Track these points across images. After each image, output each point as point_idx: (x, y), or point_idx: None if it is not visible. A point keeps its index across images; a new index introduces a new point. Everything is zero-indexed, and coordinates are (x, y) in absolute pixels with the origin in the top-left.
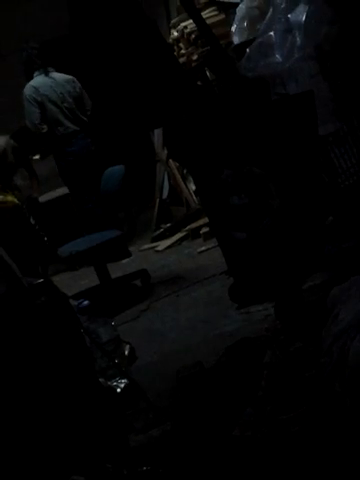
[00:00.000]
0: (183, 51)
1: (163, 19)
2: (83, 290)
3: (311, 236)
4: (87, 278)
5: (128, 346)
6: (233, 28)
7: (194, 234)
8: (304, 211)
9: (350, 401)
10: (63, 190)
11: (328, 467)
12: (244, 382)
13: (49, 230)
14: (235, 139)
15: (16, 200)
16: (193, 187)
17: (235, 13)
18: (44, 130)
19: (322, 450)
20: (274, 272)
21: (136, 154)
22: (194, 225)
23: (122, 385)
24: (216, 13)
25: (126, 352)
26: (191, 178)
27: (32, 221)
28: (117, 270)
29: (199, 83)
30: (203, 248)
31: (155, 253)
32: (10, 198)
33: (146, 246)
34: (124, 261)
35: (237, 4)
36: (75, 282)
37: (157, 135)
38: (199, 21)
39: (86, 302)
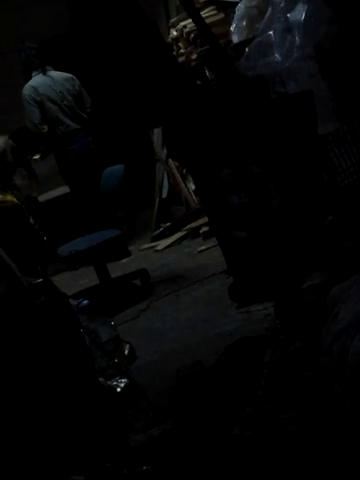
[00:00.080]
0: (182, 50)
1: (162, 18)
2: (83, 289)
3: (311, 235)
4: (87, 277)
5: (128, 345)
6: (232, 27)
7: (194, 233)
8: (304, 210)
9: (350, 401)
10: (63, 189)
11: (328, 467)
12: (244, 381)
13: (49, 229)
14: (234, 138)
15: (15, 200)
16: (193, 186)
17: (234, 12)
18: (44, 130)
19: (322, 450)
20: (274, 271)
21: (136, 153)
22: (194, 224)
23: (122, 384)
24: (215, 12)
25: (126, 351)
26: (191, 177)
27: (31, 221)
28: (117, 269)
29: (198, 82)
30: (203, 247)
31: (155, 252)
32: (9, 198)
33: (146, 245)
34: (124, 260)
35: (236, 3)
36: (75, 281)
37: (156, 134)
38: (198, 20)
39: (86, 301)
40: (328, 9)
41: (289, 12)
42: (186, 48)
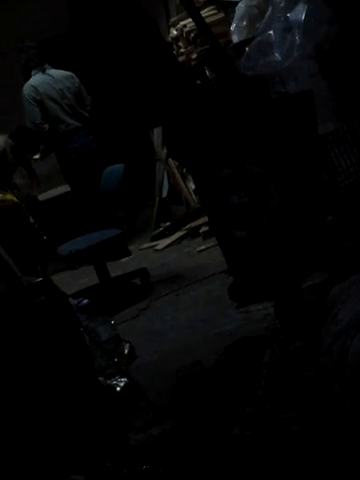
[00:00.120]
0: (182, 50)
1: (162, 18)
2: (83, 289)
3: (311, 235)
4: (87, 277)
5: (128, 345)
6: (232, 27)
7: (194, 233)
8: (304, 210)
9: (350, 400)
10: (63, 188)
11: (328, 466)
12: (244, 381)
13: (49, 229)
14: (234, 138)
15: (15, 199)
16: (193, 186)
17: (234, 12)
18: (45, 129)
19: (322, 449)
20: (274, 271)
21: (136, 153)
22: (194, 224)
23: (122, 384)
24: (215, 12)
25: (126, 351)
26: (190, 177)
27: (31, 220)
28: (117, 269)
29: (198, 82)
30: (203, 247)
31: (155, 252)
32: (9, 197)
33: (146, 245)
34: (124, 260)
35: (236, 3)
36: (75, 281)
37: (157, 134)
38: (198, 20)
39: (86, 301)
40: (328, 9)
41: (289, 12)
42: (186, 47)
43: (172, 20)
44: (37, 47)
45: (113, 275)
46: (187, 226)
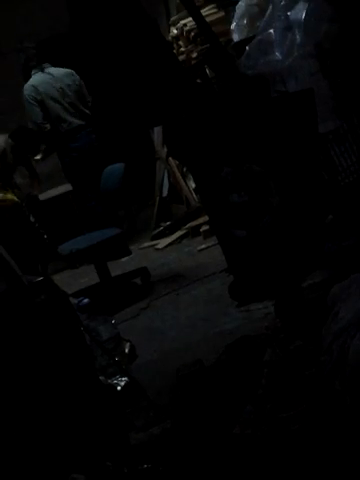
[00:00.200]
0: (183, 49)
1: (163, 17)
2: (83, 288)
3: (311, 234)
4: (87, 276)
5: (128, 344)
6: (233, 26)
7: (194, 232)
8: (304, 209)
9: (350, 399)
10: (63, 188)
11: (328, 465)
12: (244, 380)
13: (49, 228)
14: (235, 137)
15: (16, 198)
16: (193, 185)
17: (235, 11)
18: (47, 129)
19: (322, 448)
20: (274, 270)
21: (136, 152)
22: (194, 223)
23: (122, 383)
24: (216, 11)
25: (126, 350)
26: (191, 176)
27: (32, 219)
28: (117, 268)
29: (199, 81)
30: (203, 246)
31: (155, 251)
32: (10, 196)
33: (146, 244)
34: (124, 259)
35: (237, 2)
36: (75, 280)
37: (157, 133)
38: (199, 19)
39: (86, 300)
40: (328, 8)
41: (290, 10)
42: (186, 46)
43: (172, 19)
44: (36, 47)
45: (113, 274)
46: (187, 225)
